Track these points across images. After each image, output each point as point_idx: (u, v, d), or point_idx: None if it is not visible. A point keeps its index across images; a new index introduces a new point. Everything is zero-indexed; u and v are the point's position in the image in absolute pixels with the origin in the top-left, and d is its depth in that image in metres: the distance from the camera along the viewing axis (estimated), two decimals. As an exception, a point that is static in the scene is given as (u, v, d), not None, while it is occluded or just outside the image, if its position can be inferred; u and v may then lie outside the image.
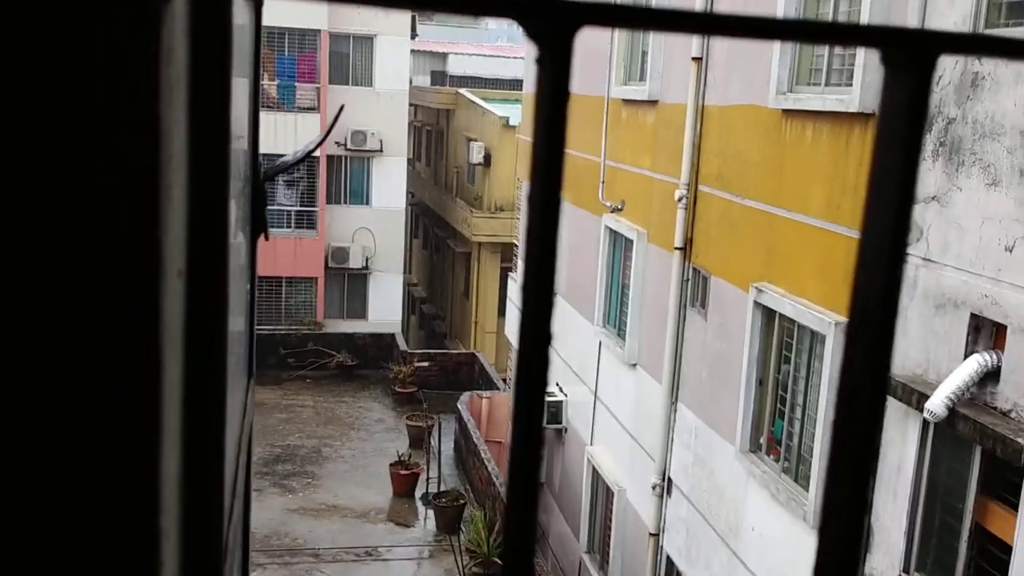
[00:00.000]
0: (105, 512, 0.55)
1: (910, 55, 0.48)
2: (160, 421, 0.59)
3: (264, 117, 25.90)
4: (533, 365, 0.45)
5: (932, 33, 0.49)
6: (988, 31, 6.54)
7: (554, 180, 0.46)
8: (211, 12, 0.72)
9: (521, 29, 0.47)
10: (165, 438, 0.60)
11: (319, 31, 25.53)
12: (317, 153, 25.24)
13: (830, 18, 8.37)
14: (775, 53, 8.93)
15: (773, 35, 0.50)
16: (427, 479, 17.47)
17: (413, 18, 27.47)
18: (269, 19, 23.25)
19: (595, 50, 13.82)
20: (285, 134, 24.17)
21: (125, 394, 0.56)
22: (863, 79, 7.62)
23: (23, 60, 0.48)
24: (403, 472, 17.65)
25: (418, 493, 17.66)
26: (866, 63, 7.61)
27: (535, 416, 0.47)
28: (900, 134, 0.48)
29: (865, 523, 0.51)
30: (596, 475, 13.59)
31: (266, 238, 1.62)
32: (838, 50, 8.34)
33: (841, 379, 0.51)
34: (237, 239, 1.31)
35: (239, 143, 1.44)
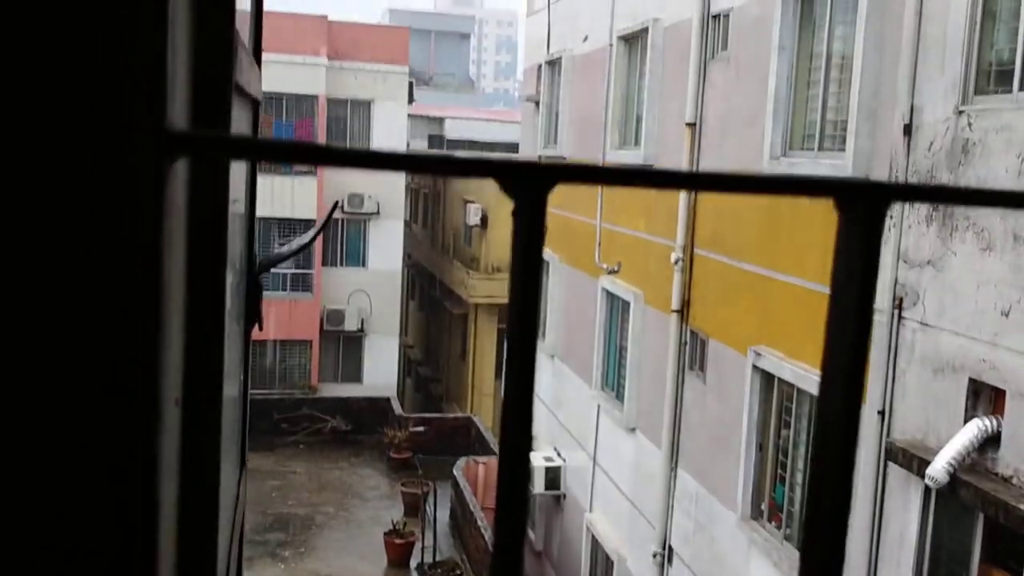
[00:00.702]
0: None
1: (862, 204, 0.51)
2: (156, 547, 0.58)
3: (262, 181, 26.16)
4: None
5: (880, 184, 0.53)
6: (978, 97, 6.63)
7: (530, 327, 0.48)
8: (210, 171, 0.74)
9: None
10: (161, 554, 0.60)
11: (317, 96, 25.86)
12: (314, 216, 25.37)
13: (821, 88, 8.48)
14: (768, 118, 9.04)
15: (735, 189, 0.55)
16: (422, 548, 17.20)
17: (410, 83, 27.86)
18: (268, 84, 23.57)
19: (590, 114, 14.00)
20: (282, 198, 24.34)
21: (120, 528, 0.56)
22: (856, 144, 7.70)
23: (36, 213, 0.52)
24: (398, 541, 17.38)
25: (413, 563, 17.36)
26: (858, 129, 7.69)
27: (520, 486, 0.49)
28: (855, 275, 0.51)
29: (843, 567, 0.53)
30: (595, 543, 13.39)
31: (260, 328, 1.61)
32: (831, 116, 8.45)
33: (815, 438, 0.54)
34: (233, 331, 1.30)
35: (236, 210, 1.44)
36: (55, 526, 0.55)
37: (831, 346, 0.53)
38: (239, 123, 1.25)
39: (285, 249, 2.43)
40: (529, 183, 0.50)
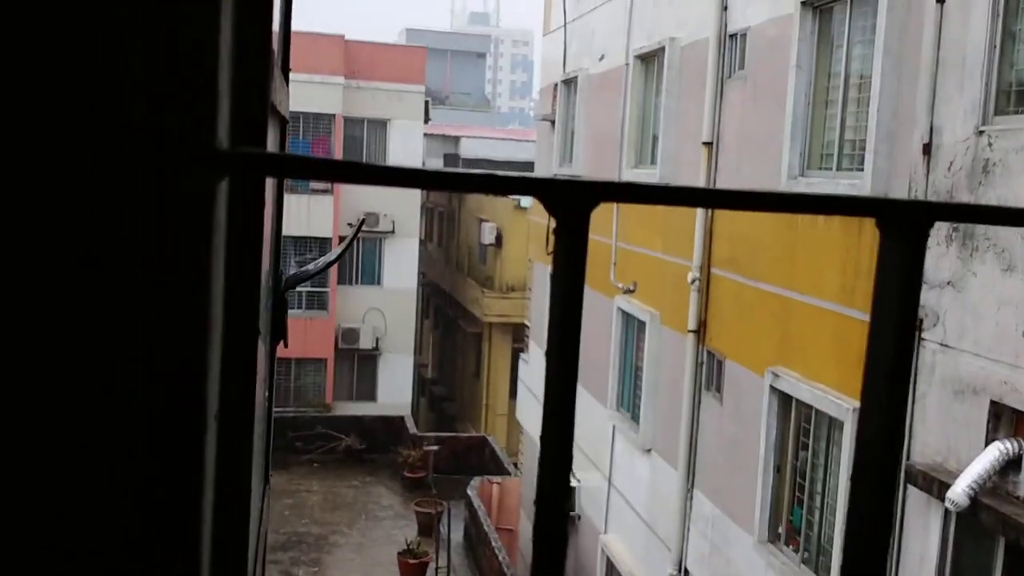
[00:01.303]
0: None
1: (904, 223, 0.51)
2: (199, 557, 0.61)
3: (278, 200, 25.98)
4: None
5: (924, 203, 0.53)
6: (998, 117, 6.60)
7: (571, 343, 0.49)
8: (247, 189, 0.76)
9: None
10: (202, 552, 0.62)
11: (334, 115, 26.01)
12: (330, 234, 25.47)
13: (839, 108, 8.47)
14: (785, 138, 9.03)
15: (777, 208, 0.55)
16: (436, 568, 17.13)
17: (426, 103, 27.99)
18: (285, 105, 23.70)
19: (606, 133, 14.02)
20: (298, 216, 24.45)
21: (166, 538, 0.58)
22: (874, 164, 7.68)
23: (89, 231, 0.53)
24: (411, 561, 17.31)
25: (427, 582, 17.31)
26: (876, 149, 7.67)
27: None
28: (895, 297, 0.51)
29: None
30: (610, 565, 13.30)
31: (285, 345, 1.61)
32: (849, 135, 8.43)
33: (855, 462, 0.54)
34: (258, 351, 1.30)
35: (265, 229, 1.45)
36: (112, 534, 0.55)
37: (871, 367, 0.52)
38: (270, 141, 1.25)
39: (311, 266, 2.43)
40: (572, 201, 0.50)
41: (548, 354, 0.50)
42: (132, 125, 0.51)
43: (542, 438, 0.50)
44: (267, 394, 1.63)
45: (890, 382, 0.51)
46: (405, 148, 26.83)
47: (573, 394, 0.49)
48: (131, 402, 0.54)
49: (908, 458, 7.11)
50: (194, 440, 0.56)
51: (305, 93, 24.59)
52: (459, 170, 0.54)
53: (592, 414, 14.20)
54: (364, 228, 26.24)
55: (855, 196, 0.57)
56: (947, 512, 6.61)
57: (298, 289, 25.79)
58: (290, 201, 24.45)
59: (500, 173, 0.55)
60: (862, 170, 7.95)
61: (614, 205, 13.54)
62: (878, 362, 0.52)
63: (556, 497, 0.50)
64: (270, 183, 1.41)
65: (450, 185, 0.53)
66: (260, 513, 1.60)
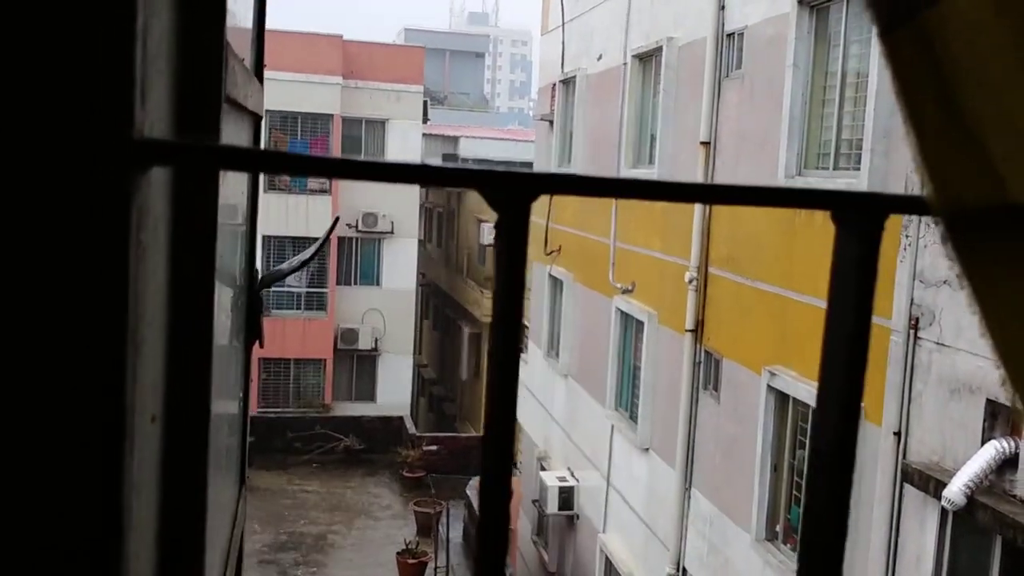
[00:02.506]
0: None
1: (859, 216, 0.51)
2: (123, 561, 0.58)
3: (276, 199, 26.06)
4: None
5: (878, 195, 0.52)
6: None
7: (512, 335, 0.48)
8: (194, 179, 0.74)
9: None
10: (133, 569, 0.59)
11: (332, 115, 26.01)
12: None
13: (836, 107, 8.46)
14: (783, 137, 9.02)
15: (731, 200, 0.54)
16: (435, 568, 17.14)
17: (425, 103, 27.99)
18: (283, 104, 23.74)
19: (604, 133, 14.02)
20: (296, 216, 24.45)
21: (88, 550, 0.54)
22: (871, 163, 7.67)
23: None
24: (410, 561, 17.32)
25: (426, 581, 17.31)
26: (873, 148, 7.66)
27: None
28: (851, 289, 0.50)
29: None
30: (609, 564, 13.30)
31: (260, 345, 1.60)
32: (846, 134, 8.42)
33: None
34: (232, 348, 1.29)
35: (237, 227, 1.43)
36: (17, 536, 0.53)
37: (827, 360, 0.52)
38: (237, 136, 1.24)
39: (285, 265, 2.43)
40: (511, 194, 0.48)
41: (490, 352, 0.50)
42: (38, 113, 0.49)
43: (484, 437, 0.50)
44: (242, 395, 1.62)
45: (847, 379, 0.50)
46: (404, 148, 26.83)
47: (515, 387, 0.49)
48: (41, 401, 0.52)
49: (904, 457, 7.11)
50: (114, 442, 0.53)
51: (303, 93, 24.59)
52: (397, 161, 0.54)
53: (591, 414, 14.20)
54: (363, 228, 26.23)
55: (808, 188, 0.56)
56: (944, 511, 6.61)
57: (296, 290, 25.79)
58: (288, 201, 24.49)
59: (438, 164, 0.53)
60: (859, 169, 7.94)
61: (612, 206, 13.54)
62: (834, 357, 0.51)
63: (500, 484, 0.50)
64: (241, 178, 1.40)
65: (386, 176, 0.51)
66: (234, 515, 1.59)
